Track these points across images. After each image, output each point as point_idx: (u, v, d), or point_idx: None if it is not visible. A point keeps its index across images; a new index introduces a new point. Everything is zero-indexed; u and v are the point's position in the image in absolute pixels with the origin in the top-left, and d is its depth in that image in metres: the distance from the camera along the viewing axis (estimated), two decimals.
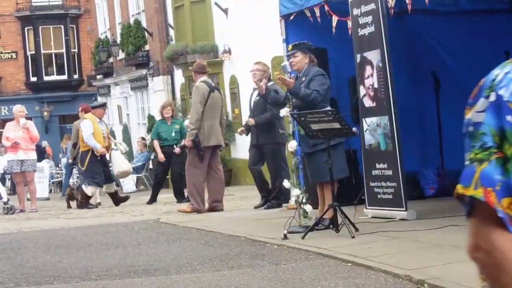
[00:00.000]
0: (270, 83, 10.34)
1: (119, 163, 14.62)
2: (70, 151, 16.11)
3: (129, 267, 6.83)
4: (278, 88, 10.51)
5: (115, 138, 18.30)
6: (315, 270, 6.08)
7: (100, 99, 29.85)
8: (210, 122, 11.14)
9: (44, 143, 24.90)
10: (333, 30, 9.07)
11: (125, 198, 14.77)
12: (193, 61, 21.87)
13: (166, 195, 15.66)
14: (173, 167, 14.64)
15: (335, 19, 9.26)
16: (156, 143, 14.53)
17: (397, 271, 5.55)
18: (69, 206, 14.75)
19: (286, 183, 8.30)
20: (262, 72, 10.82)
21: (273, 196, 11.04)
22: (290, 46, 8.44)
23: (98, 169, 13.91)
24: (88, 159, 13.77)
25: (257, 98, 11.02)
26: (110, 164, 14.63)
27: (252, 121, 11.17)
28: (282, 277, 5.86)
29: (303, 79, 8.21)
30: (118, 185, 16.09)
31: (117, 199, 14.45)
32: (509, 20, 11.64)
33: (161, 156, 14.36)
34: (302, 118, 7.84)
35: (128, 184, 20.59)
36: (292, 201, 8.40)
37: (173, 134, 14.30)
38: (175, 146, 14.24)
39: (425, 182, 11.18)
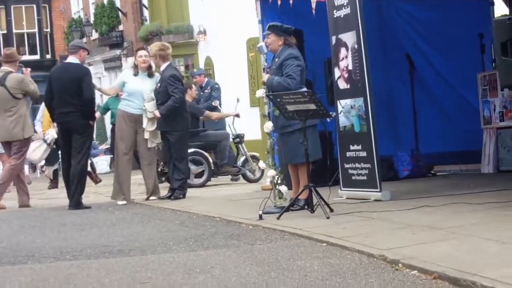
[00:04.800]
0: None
1: (33, 150, 14.32)
2: None
3: (103, 247, 6.82)
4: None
5: None
6: (291, 250, 6.11)
7: None
8: None
9: None
10: (313, 11, 9.05)
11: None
12: (168, 42, 21.90)
13: (141, 176, 15.58)
14: None
15: (314, 0, 9.24)
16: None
17: (372, 251, 5.59)
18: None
19: (261, 164, 8.31)
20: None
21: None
22: (268, 26, 8.44)
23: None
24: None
25: (158, 85, 10.58)
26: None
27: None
28: (257, 257, 5.89)
29: (276, 60, 8.24)
30: (92, 166, 15.95)
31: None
32: (481, 3, 11.72)
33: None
34: (278, 99, 7.85)
35: (102, 165, 20.47)
36: (268, 182, 8.41)
37: None
38: None
39: (399, 164, 11.28)
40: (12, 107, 10.78)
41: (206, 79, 14.73)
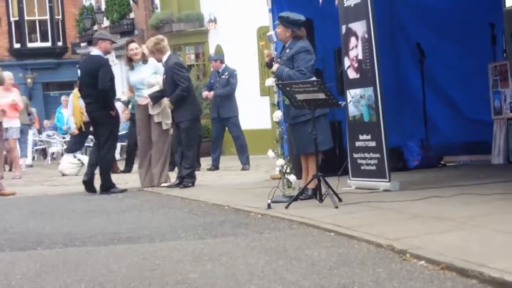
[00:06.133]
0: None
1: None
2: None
3: (113, 234, 6.85)
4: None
5: None
6: (299, 239, 6.12)
7: None
8: None
9: (33, 110, 24.94)
10: (320, 1, 9.04)
11: None
12: (179, 30, 21.92)
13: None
14: None
15: None
16: None
17: (380, 241, 5.59)
18: None
19: (270, 153, 8.32)
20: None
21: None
22: (278, 16, 8.45)
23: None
24: None
25: (164, 76, 10.63)
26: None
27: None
28: (265, 246, 5.90)
29: (287, 51, 8.22)
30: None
31: None
32: None
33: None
34: (288, 88, 7.84)
35: None
36: (277, 171, 8.42)
37: None
38: None
39: (408, 154, 11.26)
40: None
41: (223, 65, 14.59)
